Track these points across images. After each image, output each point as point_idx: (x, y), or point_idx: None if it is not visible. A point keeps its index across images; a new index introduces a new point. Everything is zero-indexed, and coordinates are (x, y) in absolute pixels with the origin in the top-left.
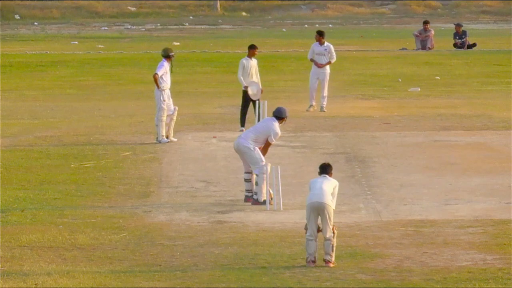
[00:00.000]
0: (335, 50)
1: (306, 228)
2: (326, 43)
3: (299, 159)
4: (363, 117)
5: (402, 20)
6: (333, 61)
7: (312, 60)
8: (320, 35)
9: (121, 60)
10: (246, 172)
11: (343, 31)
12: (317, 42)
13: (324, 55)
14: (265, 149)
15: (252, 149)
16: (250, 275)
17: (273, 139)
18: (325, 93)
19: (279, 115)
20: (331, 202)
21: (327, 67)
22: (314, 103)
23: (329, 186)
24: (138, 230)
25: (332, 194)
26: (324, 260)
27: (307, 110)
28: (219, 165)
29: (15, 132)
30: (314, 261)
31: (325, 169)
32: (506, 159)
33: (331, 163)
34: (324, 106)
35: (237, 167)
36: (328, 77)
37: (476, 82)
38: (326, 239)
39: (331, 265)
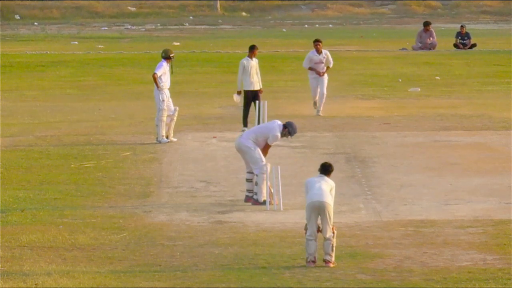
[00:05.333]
0: (334, 51)
1: (306, 229)
2: (323, 51)
3: (299, 159)
4: (363, 117)
5: (402, 20)
6: (331, 66)
7: (310, 68)
8: (320, 43)
9: (121, 60)
10: (248, 172)
11: (343, 31)
12: (314, 51)
13: (323, 63)
14: (265, 150)
15: (252, 148)
16: (250, 275)
17: (271, 142)
18: (325, 91)
19: (287, 126)
20: (331, 202)
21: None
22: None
23: (327, 187)
24: (138, 230)
25: (331, 194)
26: (324, 260)
27: (318, 114)
28: (219, 165)
29: (15, 132)
30: (314, 261)
31: (325, 169)
32: (506, 159)
33: (331, 163)
34: (321, 110)
35: (237, 167)
36: (327, 79)
37: (476, 82)
38: (326, 239)
39: (331, 265)
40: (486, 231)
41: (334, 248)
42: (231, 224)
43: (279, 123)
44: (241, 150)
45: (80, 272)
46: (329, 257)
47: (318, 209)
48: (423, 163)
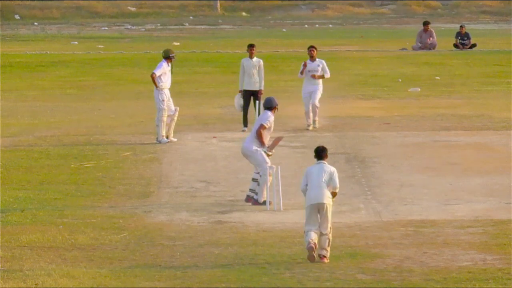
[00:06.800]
0: (334, 51)
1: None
2: (317, 59)
3: (299, 159)
4: (363, 117)
5: (402, 20)
6: (327, 76)
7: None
8: (314, 49)
9: (121, 60)
10: (256, 172)
11: (343, 31)
12: (309, 59)
13: (317, 71)
14: (259, 136)
15: (255, 151)
16: (250, 275)
17: (266, 122)
18: (317, 103)
19: (270, 106)
20: (330, 200)
21: (320, 81)
22: (311, 122)
23: (327, 177)
24: (138, 230)
25: (333, 180)
26: (319, 256)
27: (306, 129)
28: (219, 165)
29: (15, 132)
30: (314, 247)
31: (320, 154)
32: (506, 159)
33: (331, 163)
34: (316, 121)
35: (237, 167)
36: (320, 91)
37: (476, 82)
38: (323, 235)
39: (326, 260)
40: (486, 231)
41: (330, 243)
42: (231, 224)
43: (265, 112)
44: (246, 155)
45: (80, 272)
46: (325, 251)
47: (317, 209)
48: (423, 163)
